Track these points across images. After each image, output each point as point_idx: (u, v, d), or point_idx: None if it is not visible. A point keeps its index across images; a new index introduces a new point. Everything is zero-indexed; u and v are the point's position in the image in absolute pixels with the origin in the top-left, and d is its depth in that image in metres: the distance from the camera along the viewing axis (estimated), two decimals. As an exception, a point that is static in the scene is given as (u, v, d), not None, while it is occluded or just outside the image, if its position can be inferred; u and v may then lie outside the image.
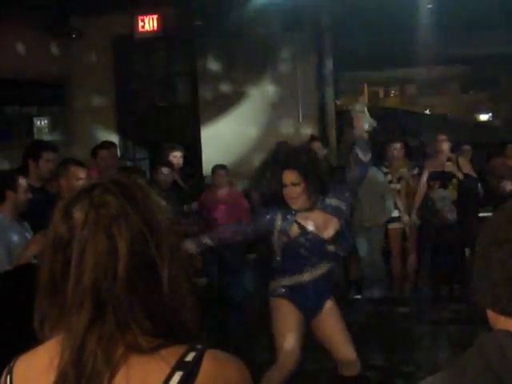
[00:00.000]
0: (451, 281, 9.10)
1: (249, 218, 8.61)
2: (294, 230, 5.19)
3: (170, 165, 8.40)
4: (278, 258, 5.30)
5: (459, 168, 8.97)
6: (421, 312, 8.50)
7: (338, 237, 5.20)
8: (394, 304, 8.90)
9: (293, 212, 5.21)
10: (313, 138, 8.73)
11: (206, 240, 5.38)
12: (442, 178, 8.88)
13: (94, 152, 8.53)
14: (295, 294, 5.26)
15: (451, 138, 9.64)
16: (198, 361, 1.51)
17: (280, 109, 9.34)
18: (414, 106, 29.20)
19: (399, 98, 34.02)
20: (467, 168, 9.05)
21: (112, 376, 1.50)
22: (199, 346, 1.54)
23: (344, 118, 9.75)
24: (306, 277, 5.25)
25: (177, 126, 10.44)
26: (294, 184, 5.11)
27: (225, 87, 9.81)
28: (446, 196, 8.85)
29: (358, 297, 9.19)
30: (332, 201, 5.25)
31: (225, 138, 9.85)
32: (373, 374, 6.40)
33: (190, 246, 5.25)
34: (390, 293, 9.32)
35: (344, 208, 5.27)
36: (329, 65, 9.18)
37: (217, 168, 8.77)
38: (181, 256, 1.59)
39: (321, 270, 5.25)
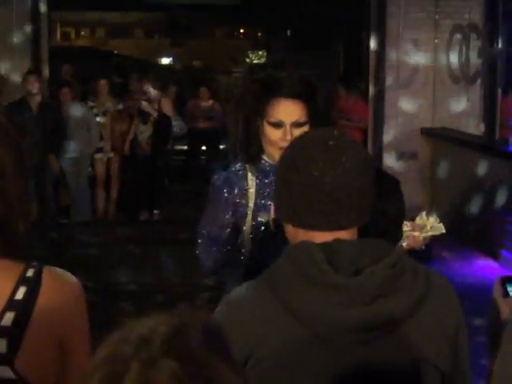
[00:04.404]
0: (151, 207, 9.32)
1: None
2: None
3: None
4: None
5: (160, 107, 9.18)
6: (124, 235, 8.68)
7: None
8: (98, 227, 8.97)
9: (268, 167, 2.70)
10: (30, 72, 8.41)
11: None
12: (143, 115, 9.09)
13: None
14: None
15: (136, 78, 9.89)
16: (38, 276, 1.49)
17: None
18: (103, 46, 28.97)
19: (89, 39, 33.56)
20: (167, 107, 9.31)
21: None
22: (35, 263, 1.52)
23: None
24: None
25: None
26: (298, 124, 2.60)
27: None
28: (144, 130, 9.08)
29: (66, 221, 9.10)
30: None
31: None
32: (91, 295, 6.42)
33: None
34: (95, 217, 9.35)
35: None
36: (44, 3, 8.80)
37: None
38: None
39: None
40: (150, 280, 7.00)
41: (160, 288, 6.77)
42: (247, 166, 2.71)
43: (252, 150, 2.68)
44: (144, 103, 9.07)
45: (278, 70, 2.61)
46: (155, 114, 9.08)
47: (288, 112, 2.59)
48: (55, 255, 7.57)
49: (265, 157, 2.69)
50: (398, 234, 2.12)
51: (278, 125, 2.59)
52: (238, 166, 2.72)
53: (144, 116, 9.06)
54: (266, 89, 2.60)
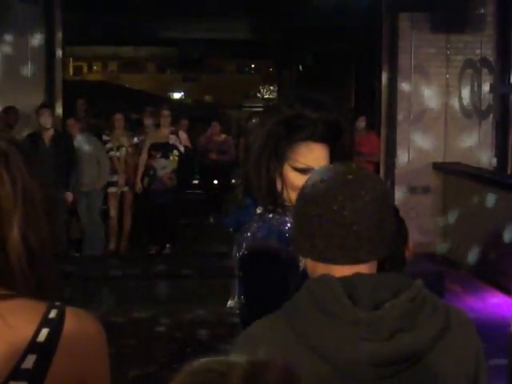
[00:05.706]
0: (163, 241, 9.29)
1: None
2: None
3: None
4: None
5: (179, 140, 9.14)
6: (134, 267, 8.66)
7: None
8: (109, 260, 8.95)
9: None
10: (43, 106, 8.48)
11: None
12: (163, 149, 8.96)
13: None
14: None
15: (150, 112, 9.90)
16: (61, 317, 1.46)
17: (8, 78, 8.85)
18: (116, 81, 29.23)
19: (102, 73, 33.87)
20: (186, 140, 9.34)
21: None
22: (58, 304, 1.49)
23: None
24: None
25: None
26: None
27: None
28: (166, 165, 8.99)
29: (77, 255, 9.10)
30: None
31: None
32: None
33: None
34: (107, 250, 9.33)
35: None
36: (58, 38, 8.88)
37: None
38: (42, 210, 1.49)
39: None
40: (161, 314, 6.98)
41: (171, 323, 6.75)
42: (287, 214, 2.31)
43: (278, 199, 2.34)
44: (172, 136, 8.98)
45: (306, 108, 2.29)
46: (182, 148, 9.03)
47: (317, 157, 2.30)
48: (65, 289, 7.57)
49: (287, 202, 2.33)
50: (400, 260, 2.11)
51: (305, 171, 2.27)
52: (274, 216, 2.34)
53: (166, 150, 8.97)
54: (293, 130, 2.30)
